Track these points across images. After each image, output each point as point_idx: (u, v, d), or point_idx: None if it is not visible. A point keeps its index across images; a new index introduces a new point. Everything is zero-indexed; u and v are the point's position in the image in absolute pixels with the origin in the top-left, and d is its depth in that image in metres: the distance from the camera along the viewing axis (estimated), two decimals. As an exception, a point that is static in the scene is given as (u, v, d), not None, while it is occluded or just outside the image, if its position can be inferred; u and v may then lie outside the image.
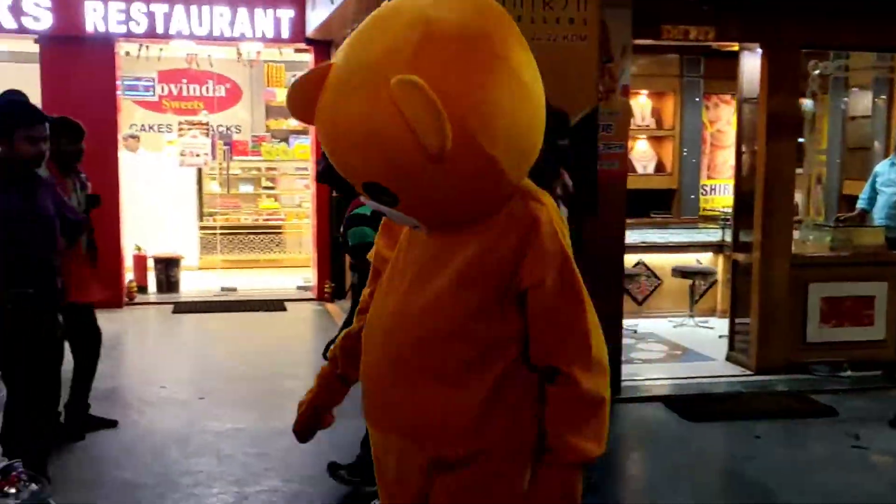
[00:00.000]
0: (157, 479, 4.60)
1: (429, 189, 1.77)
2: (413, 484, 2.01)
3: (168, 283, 9.86)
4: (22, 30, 8.90)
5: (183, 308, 9.22)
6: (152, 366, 7.17)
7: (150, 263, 9.98)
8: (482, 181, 1.79)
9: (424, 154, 1.66)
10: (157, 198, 10.76)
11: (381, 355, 1.99)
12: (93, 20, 9.03)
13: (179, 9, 9.20)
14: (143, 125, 12.43)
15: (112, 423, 5.32)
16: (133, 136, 11.20)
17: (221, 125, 12.54)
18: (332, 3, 7.47)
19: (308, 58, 9.86)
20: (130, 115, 11.83)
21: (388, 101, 1.63)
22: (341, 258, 9.68)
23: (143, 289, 9.74)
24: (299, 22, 9.43)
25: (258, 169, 12.39)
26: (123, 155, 9.83)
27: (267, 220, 12.14)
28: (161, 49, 10.04)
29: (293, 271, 11.30)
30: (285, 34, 9.48)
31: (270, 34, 9.45)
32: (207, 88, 12.71)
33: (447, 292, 1.88)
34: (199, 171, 11.51)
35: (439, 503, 1.98)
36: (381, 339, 1.99)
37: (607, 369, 1.94)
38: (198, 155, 10.54)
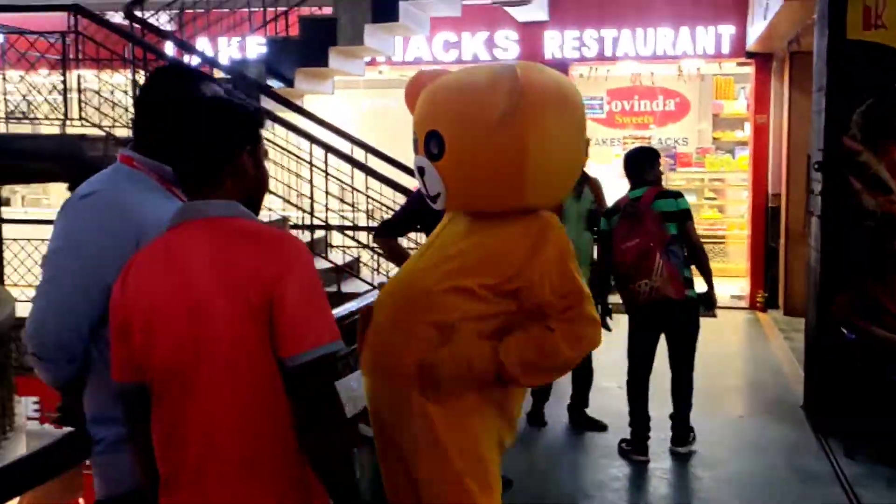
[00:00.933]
0: (570, 447, 5.31)
1: (468, 153, 2.32)
2: (405, 424, 2.37)
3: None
4: (493, 60, 10.31)
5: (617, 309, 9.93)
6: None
7: (593, 266, 10.86)
8: (507, 183, 2.32)
9: (489, 114, 2.25)
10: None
11: (383, 314, 2.44)
12: (551, 48, 10.20)
13: (626, 33, 9.99)
14: (594, 140, 13.43)
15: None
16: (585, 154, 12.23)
17: (669, 138, 13.10)
18: (765, 18, 7.67)
19: (749, 70, 10.06)
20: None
21: (489, 74, 2.35)
22: (775, 268, 9.73)
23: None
24: (740, 37, 9.69)
25: (701, 180, 12.74)
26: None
27: (708, 229, 12.45)
28: (608, 70, 10.89)
29: (733, 280, 11.48)
30: (725, 49, 9.80)
31: (711, 50, 9.83)
32: (657, 103, 13.36)
33: (446, 268, 2.37)
34: (644, 181, 12.16)
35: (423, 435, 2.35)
36: (387, 299, 2.46)
37: (569, 364, 2.41)
38: (639, 167, 11.19)
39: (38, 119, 7.64)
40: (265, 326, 1.80)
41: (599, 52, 10.09)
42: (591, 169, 12.11)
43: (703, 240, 5.39)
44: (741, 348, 8.54)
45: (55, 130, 7.32)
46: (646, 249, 4.92)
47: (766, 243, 9.92)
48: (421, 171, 2.47)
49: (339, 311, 3.33)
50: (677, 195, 5.15)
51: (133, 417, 1.95)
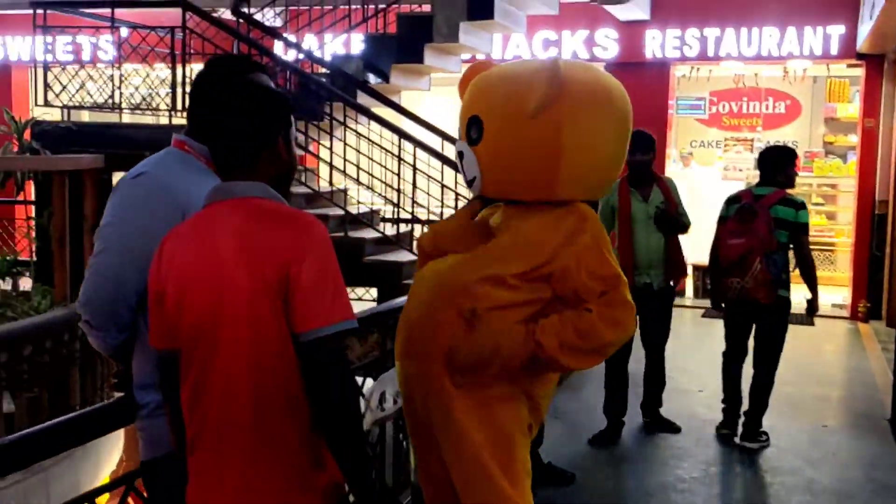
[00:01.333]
0: (640, 446, 5.31)
1: (504, 141, 2.39)
2: (433, 407, 2.41)
3: (704, 289, 10.50)
4: (593, 59, 10.26)
5: (712, 314, 9.74)
6: (667, 358, 7.78)
7: (690, 270, 10.70)
8: (539, 174, 2.39)
9: (529, 104, 2.31)
10: (701, 209, 11.42)
11: (416, 300, 2.50)
12: (651, 48, 10.09)
13: (730, 32, 9.80)
14: (696, 141, 13.20)
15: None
16: (689, 154, 12.04)
17: (778, 141, 12.75)
18: (871, 18, 7.42)
19: (860, 72, 9.72)
20: (686, 132, 12.69)
21: (533, 67, 2.42)
22: (880, 277, 9.38)
23: (679, 293, 10.50)
24: (850, 37, 9.38)
25: (809, 185, 12.36)
26: (675, 168, 10.70)
27: (815, 236, 12.05)
28: (710, 70, 10.70)
29: (839, 289, 11.11)
30: (834, 50, 9.50)
31: (819, 51, 9.55)
32: (767, 105, 13.03)
33: (479, 257, 2.43)
34: (748, 185, 11.89)
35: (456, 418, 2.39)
36: (422, 285, 2.51)
37: (607, 347, 2.42)
38: (740, 170, 10.99)
39: (153, 111, 8.09)
40: (280, 303, 1.91)
41: (702, 51, 9.93)
42: (694, 170, 12.03)
43: (812, 247, 5.45)
44: (836, 358, 8.30)
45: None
46: (749, 251, 5.03)
47: (870, 252, 9.57)
48: (461, 155, 2.56)
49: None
50: (799, 206, 5.16)
51: (166, 382, 2.10)
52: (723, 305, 5.45)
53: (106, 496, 2.72)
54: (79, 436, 2.43)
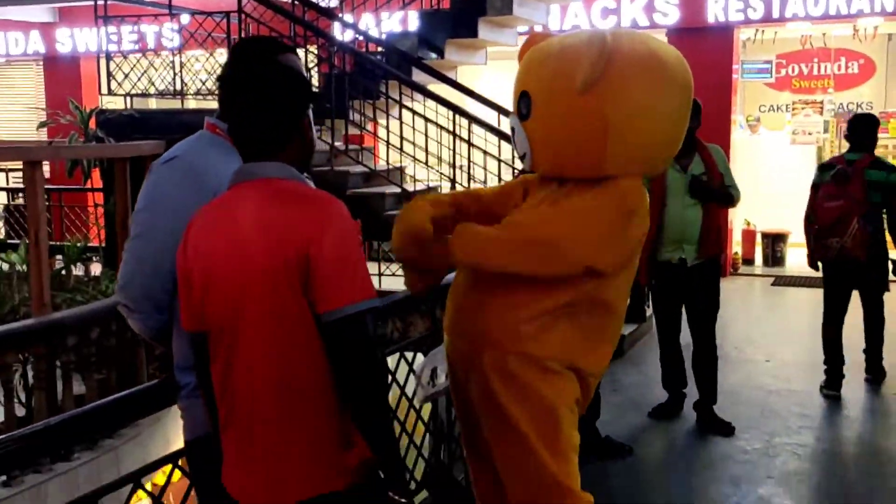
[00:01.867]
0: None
1: (552, 116, 2.34)
2: (474, 384, 2.42)
3: (773, 257, 10.26)
4: (653, 25, 10.06)
5: (782, 282, 9.58)
6: (732, 328, 7.61)
7: (758, 238, 10.47)
8: (586, 151, 2.34)
9: (575, 80, 2.27)
10: (770, 175, 11.16)
11: (462, 276, 2.51)
12: (713, 11, 9.83)
13: (796, -9, 9.48)
14: (764, 106, 12.84)
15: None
16: (756, 120, 11.73)
17: (851, 102, 12.34)
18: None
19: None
20: (754, 97, 12.35)
21: (581, 39, 2.38)
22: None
23: (748, 261, 10.29)
24: (924, -9, 9.00)
25: (885, 146, 11.93)
26: (742, 135, 10.45)
27: None
28: (776, 32, 10.39)
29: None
30: (907, 5, 9.12)
31: (890, 7, 9.18)
32: (839, 66, 12.59)
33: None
34: (819, 149, 11.56)
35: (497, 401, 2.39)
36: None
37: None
38: (810, 133, 10.66)
39: (214, 96, 8.21)
40: (301, 283, 1.91)
41: (766, 13, 9.62)
42: (762, 136, 11.72)
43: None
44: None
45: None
46: (847, 212, 5.38)
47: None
48: (513, 130, 2.55)
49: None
50: (891, 169, 5.48)
51: (200, 364, 2.14)
52: (818, 266, 5.74)
53: (160, 475, 2.79)
54: (122, 416, 2.49)
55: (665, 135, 2.47)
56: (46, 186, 10.34)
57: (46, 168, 11.59)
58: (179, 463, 2.51)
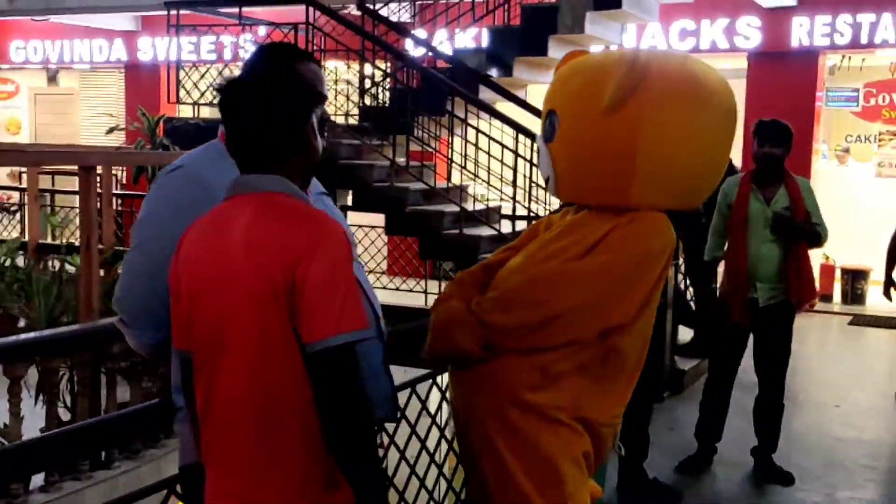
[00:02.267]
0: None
1: (576, 137, 2.16)
2: (475, 430, 2.25)
3: (853, 294, 9.78)
4: (733, 48, 9.74)
5: (861, 321, 9.10)
6: (802, 368, 7.19)
7: (837, 274, 10.00)
8: (611, 178, 2.13)
9: (602, 101, 2.08)
10: (853, 208, 10.66)
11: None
12: (798, 35, 9.46)
13: (887, 17, 9.07)
14: (851, 136, 12.28)
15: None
16: (844, 150, 11.23)
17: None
18: None
19: None
20: (840, 127, 11.85)
21: (611, 58, 2.21)
22: None
23: (826, 298, 9.82)
24: None
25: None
26: (826, 166, 10.01)
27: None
28: (863, 59, 9.95)
29: None
30: None
31: None
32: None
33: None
34: (910, 183, 11.01)
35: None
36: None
37: None
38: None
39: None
40: (286, 307, 1.76)
41: (854, 38, 9.22)
42: (850, 167, 11.21)
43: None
44: None
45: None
46: None
47: None
48: (539, 152, 2.40)
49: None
50: None
51: (185, 387, 2.00)
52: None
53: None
54: (118, 435, 2.37)
55: (702, 167, 2.25)
56: (120, 192, 10.54)
57: (122, 174, 11.86)
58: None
